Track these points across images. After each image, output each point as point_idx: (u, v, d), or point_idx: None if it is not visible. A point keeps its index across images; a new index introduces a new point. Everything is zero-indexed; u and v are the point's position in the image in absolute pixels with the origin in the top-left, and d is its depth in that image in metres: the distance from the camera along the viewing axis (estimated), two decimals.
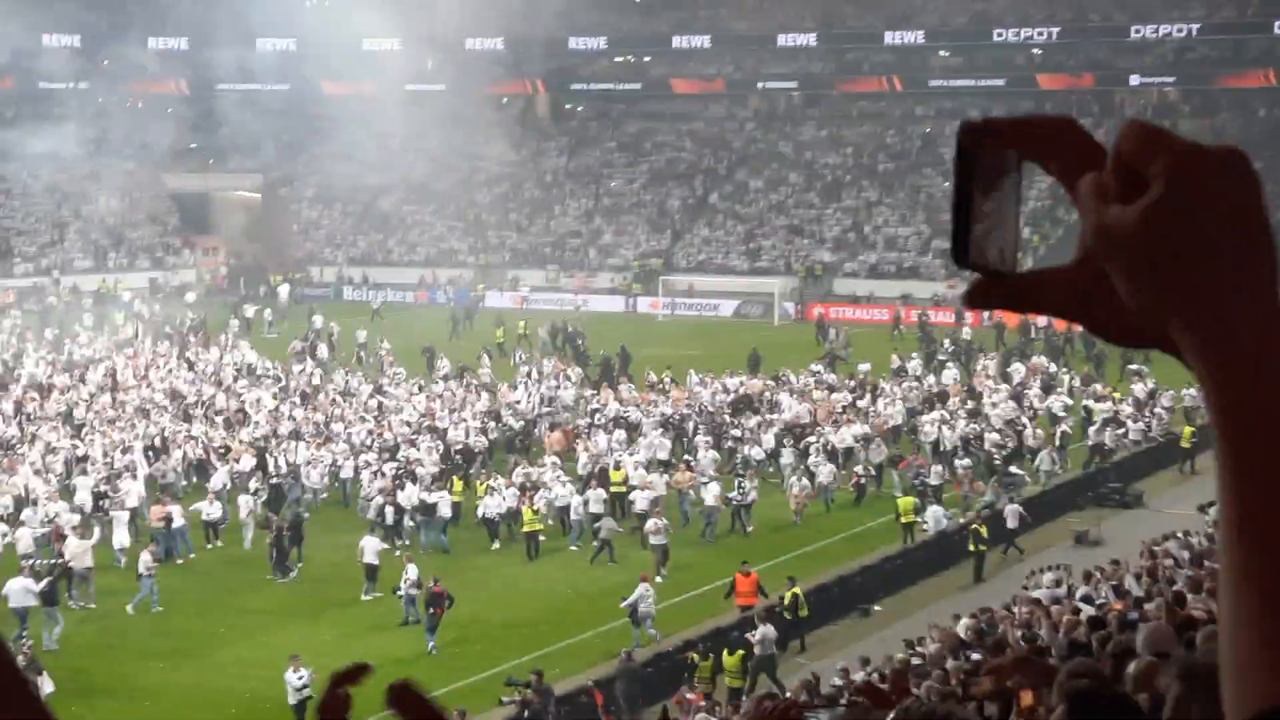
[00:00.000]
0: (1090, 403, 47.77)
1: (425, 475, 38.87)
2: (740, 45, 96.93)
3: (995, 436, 43.41)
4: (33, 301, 77.75)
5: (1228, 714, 1.22)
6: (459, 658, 30.24)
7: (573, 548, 37.01)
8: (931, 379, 52.78)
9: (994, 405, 47.10)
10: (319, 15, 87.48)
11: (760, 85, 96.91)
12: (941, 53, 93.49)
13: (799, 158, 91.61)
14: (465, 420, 45.88)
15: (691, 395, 49.98)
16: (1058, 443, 43.82)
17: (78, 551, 32.94)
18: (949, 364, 55.77)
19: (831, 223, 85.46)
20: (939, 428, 44.41)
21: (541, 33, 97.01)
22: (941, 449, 43.28)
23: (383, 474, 39.26)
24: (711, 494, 37.92)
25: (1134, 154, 1.33)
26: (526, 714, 25.46)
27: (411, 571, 32.06)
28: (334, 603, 33.66)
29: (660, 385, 51.52)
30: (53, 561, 32.50)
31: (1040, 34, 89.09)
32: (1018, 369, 53.44)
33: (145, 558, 33.34)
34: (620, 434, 44.45)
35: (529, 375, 53.62)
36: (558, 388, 51.36)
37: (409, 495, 37.54)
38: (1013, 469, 41.24)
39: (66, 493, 37.78)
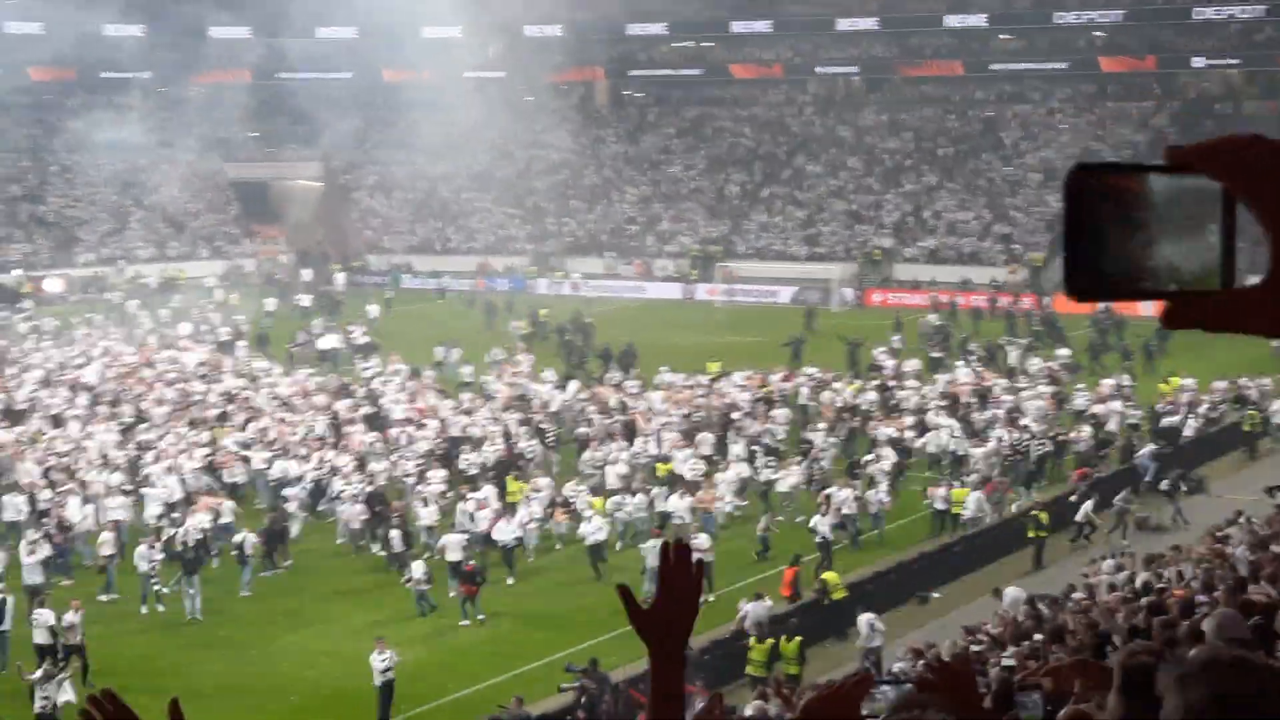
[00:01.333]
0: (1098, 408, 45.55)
1: (432, 493, 37.04)
2: (800, 30, 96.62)
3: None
4: (94, 290, 78.47)
5: None
6: (517, 645, 30.29)
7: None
8: (946, 377, 50.26)
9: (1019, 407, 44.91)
10: (380, 3, 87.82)
11: (819, 70, 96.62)
12: (1003, 36, 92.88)
13: (859, 142, 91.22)
14: (483, 424, 43.99)
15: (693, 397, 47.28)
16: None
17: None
18: (951, 361, 53.67)
19: (891, 208, 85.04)
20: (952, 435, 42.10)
21: (601, 19, 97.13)
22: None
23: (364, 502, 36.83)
24: (848, 502, 36.03)
25: None
26: (584, 701, 25.47)
27: (417, 569, 32.13)
28: (383, 592, 33.66)
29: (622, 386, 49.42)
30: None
31: (1102, 16, 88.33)
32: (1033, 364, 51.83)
33: (251, 538, 33.80)
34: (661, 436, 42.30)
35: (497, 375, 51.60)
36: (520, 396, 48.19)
37: (427, 514, 35.80)
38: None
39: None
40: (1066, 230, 1.47)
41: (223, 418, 45.22)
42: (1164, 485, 38.22)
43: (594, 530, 34.50)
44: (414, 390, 49.14)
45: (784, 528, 36.21)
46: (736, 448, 41.65)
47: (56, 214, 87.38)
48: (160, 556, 32.55)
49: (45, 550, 32.22)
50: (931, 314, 63.51)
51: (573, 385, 49.24)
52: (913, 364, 51.99)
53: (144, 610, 32.22)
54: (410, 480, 38.93)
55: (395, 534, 34.64)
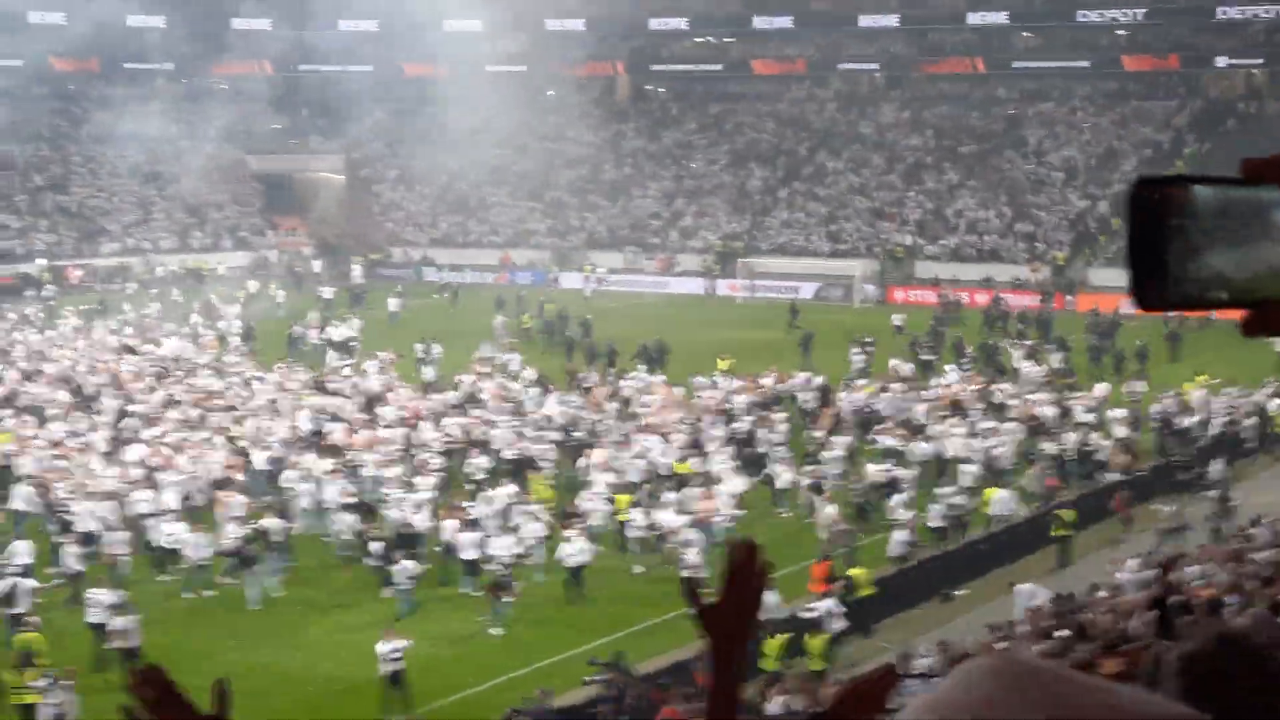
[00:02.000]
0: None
1: (423, 500, 35.50)
2: (821, 26, 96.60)
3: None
4: (118, 280, 78.70)
5: None
6: (538, 640, 30.30)
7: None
8: (941, 381, 48.84)
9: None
10: None
11: (841, 66, 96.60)
12: (1024, 34, 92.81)
13: (880, 139, 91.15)
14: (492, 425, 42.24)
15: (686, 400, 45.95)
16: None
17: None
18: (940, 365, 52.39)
19: (913, 205, 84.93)
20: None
21: (622, 13, 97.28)
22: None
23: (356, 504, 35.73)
24: (905, 512, 35.01)
25: None
26: (610, 694, 25.53)
27: (410, 567, 31.89)
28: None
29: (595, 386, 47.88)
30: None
31: (1125, 14, 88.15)
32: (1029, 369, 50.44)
33: (277, 524, 33.81)
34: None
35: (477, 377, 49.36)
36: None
37: (418, 520, 34.44)
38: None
39: None
40: (1131, 243, 1.49)
41: (203, 417, 44.39)
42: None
43: (574, 553, 32.52)
44: (386, 385, 48.06)
45: (791, 525, 36.36)
46: (727, 454, 39.89)
47: (79, 204, 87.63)
48: (210, 551, 32.86)
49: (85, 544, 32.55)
50: (897, 315, 62.58)
51: (551, 397, 45.97)
52: (909, 368, 50.84)
53: (187, 595, 32.57)
54: (395, 488, 37.26)
55: (377, 545, 33.35)
